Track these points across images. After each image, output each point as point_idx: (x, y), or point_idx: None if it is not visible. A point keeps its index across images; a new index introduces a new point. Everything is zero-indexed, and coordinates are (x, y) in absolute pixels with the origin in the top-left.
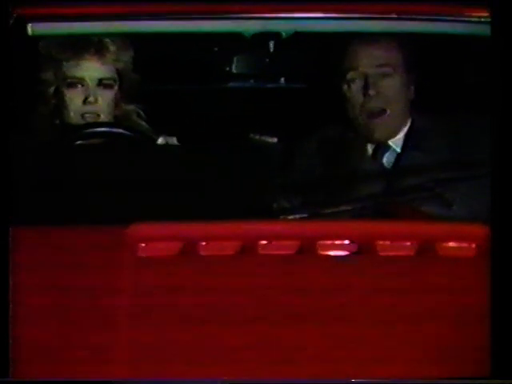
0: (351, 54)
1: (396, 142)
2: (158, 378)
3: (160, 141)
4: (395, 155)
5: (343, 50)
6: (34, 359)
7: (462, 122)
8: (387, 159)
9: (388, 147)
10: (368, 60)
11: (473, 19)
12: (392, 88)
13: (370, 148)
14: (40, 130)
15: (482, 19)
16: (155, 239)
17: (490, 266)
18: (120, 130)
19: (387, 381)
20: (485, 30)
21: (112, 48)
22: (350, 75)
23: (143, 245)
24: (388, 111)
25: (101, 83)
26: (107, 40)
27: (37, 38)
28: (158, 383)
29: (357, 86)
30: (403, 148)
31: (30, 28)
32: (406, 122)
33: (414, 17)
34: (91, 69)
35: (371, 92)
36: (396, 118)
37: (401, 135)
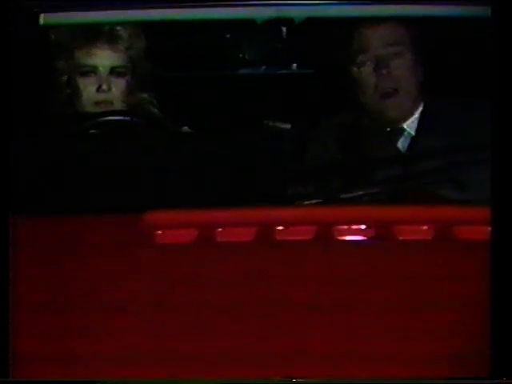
0: (359, 36)
1: (410, 125)
2: (157, 378)
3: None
4: (410, 139)
5: (351, 33)
6: (37, 352)
7: (475, 105)
8: (402, 143)
9: (403, 130)
10: (377, 41)
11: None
12: (403, 67)
13: (385, 132)
14: (54, 119)
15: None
16: (172, 226)
17: (490, 265)
18: (134, 119)
19: (387, 381)
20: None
21: (124, 36)
22: (360, 58)
23: (160, 232)
24: (400, 91)
25: (113, 71)
26: (119, 28)
27: (49, 28)
28: (158, 383)
29: (368, 69)
30: (417, 131)
31: (42, 18)
32: (419, 104)
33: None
34: (103, 57)
35: (383, 72)
36: (408, 98)
37: (414, 118)
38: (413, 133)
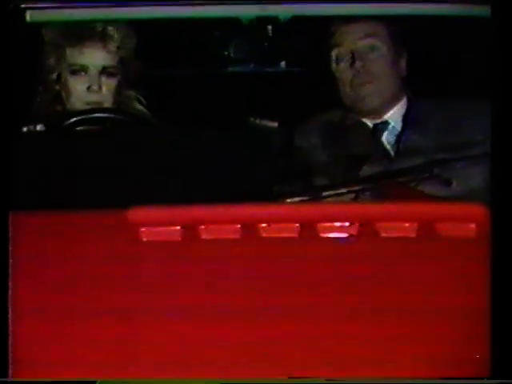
0: (335, 31)
1: (394, 119)
2: (157, 378)
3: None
4: (395, 135)
5: (328, 28)
6: (35, 351)
7: (461, 102)
8: (387, 138)
9: (387, 124)
10: (351, 34)
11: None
12: (380, 60)
13: (369, 128)
14: (41, 116)
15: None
16: (156, 223)
17: (490, 263)
18: (119, 116)
19: (387, 381)
20: (484, 11)
21: (116, 36)
22: (335, 52)
23: (144, 229)
24: (376, 82)
25: (104, 71)
26: (111, 28)
27: (35, 25)
28: (158, 383)
29: (344, 63)
30: (402, 128)
31: (28, 15)
32: (400, 98)
33: None
34: (95, 56)
35: (358, 65)
36: (386, 89)
37: (396, 110)
38: (398, 128)
